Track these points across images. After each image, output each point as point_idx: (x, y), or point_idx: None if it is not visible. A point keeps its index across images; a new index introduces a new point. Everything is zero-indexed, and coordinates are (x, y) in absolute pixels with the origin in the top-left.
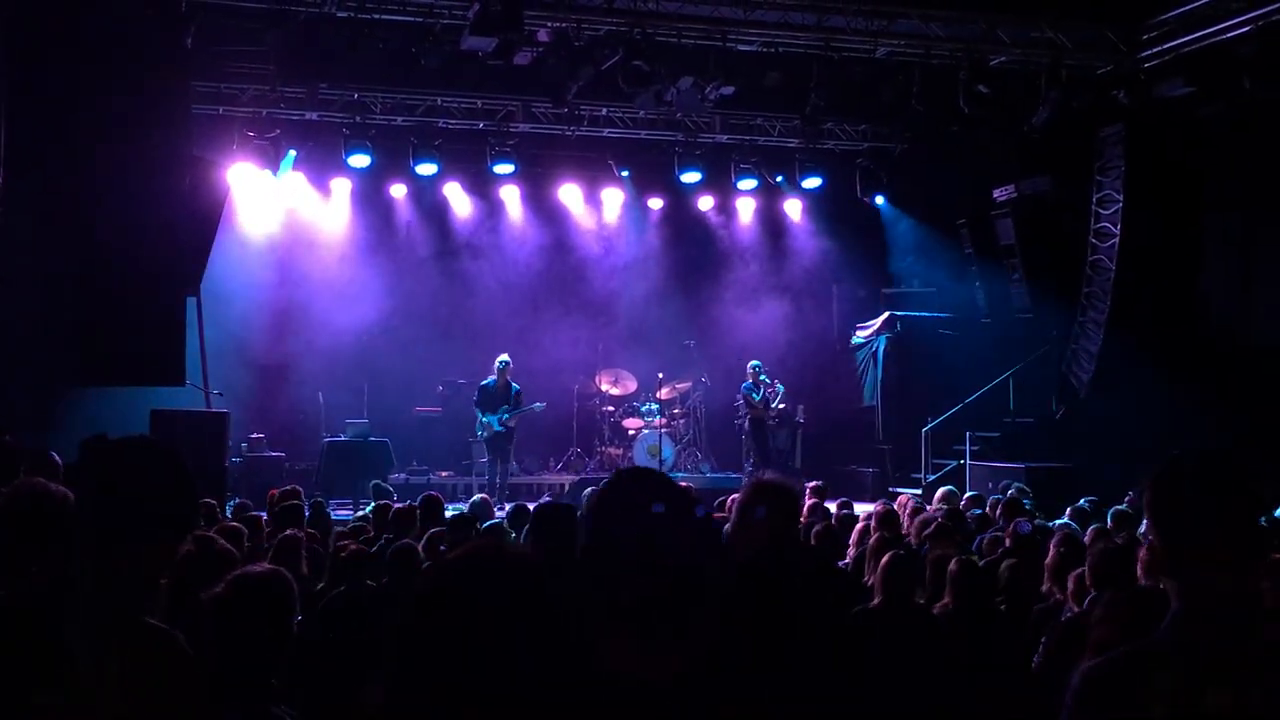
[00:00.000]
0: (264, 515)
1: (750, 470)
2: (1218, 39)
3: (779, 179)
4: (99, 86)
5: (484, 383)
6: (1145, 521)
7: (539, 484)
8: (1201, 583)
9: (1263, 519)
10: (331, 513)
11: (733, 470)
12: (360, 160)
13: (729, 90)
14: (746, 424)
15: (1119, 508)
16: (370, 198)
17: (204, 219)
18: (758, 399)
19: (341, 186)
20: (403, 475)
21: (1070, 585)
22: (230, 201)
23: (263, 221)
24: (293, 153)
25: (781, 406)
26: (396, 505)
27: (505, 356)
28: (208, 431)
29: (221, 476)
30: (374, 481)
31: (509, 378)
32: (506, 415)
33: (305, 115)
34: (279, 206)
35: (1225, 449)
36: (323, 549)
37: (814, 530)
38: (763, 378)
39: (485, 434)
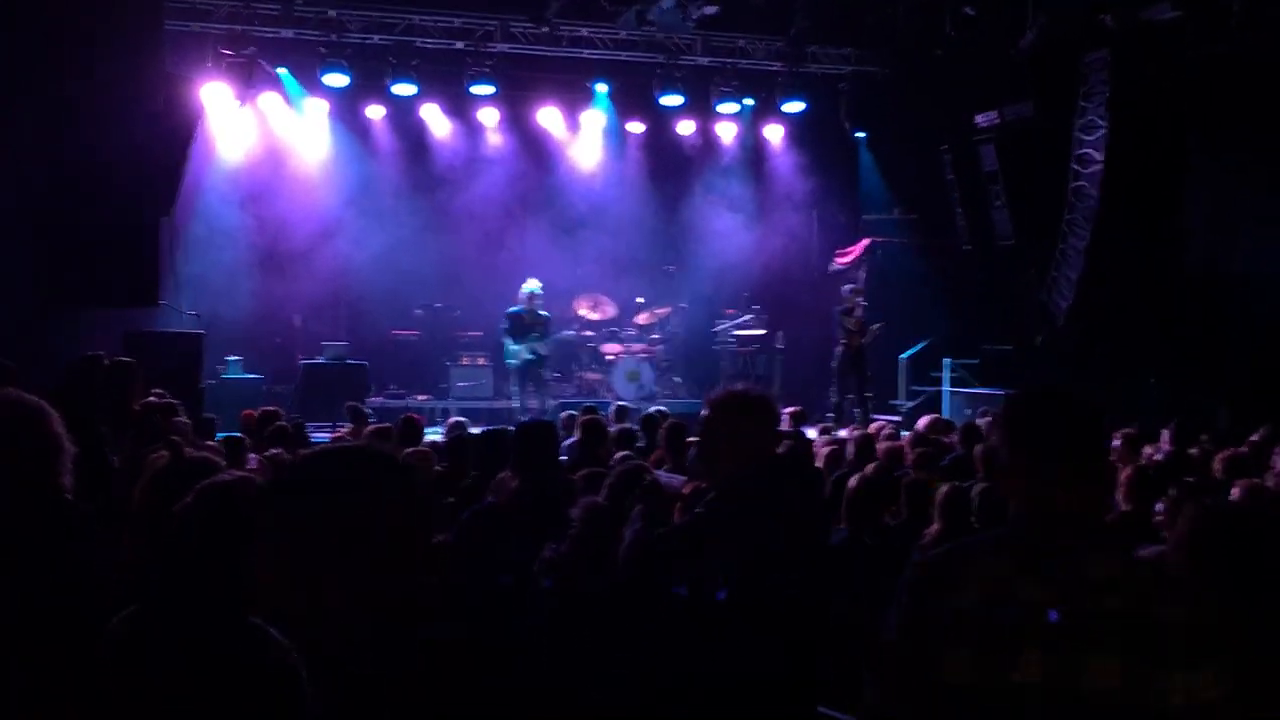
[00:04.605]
0: (239, 435)
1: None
2: None
3: (750, 101)
4: (66, 1)
5: (512, 310)
6: (998, 435)
7: (516, 407)
8: (1036, 495)
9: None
10: (309, 435)
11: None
12: (337, 80)
13: (712, 10)
14: (839, 353)
15: None
16: (347, 119)
17: (177, 138)
18: (850, 323)
19: (317, 106)
20: (380, 398)
21: None
22: (204, 121)
23: (237, 141)
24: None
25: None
26: (371, 425)
27: (536, 284)
28: (183, 353)
29: (198, 398)
30: (349, 403)
31: (538, 305)
32: (538, 341)
33: (280, 33)
34: (253, 126)
35: (1065, 387)
36: None
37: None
38: (860, 300)
39: (516, 362)
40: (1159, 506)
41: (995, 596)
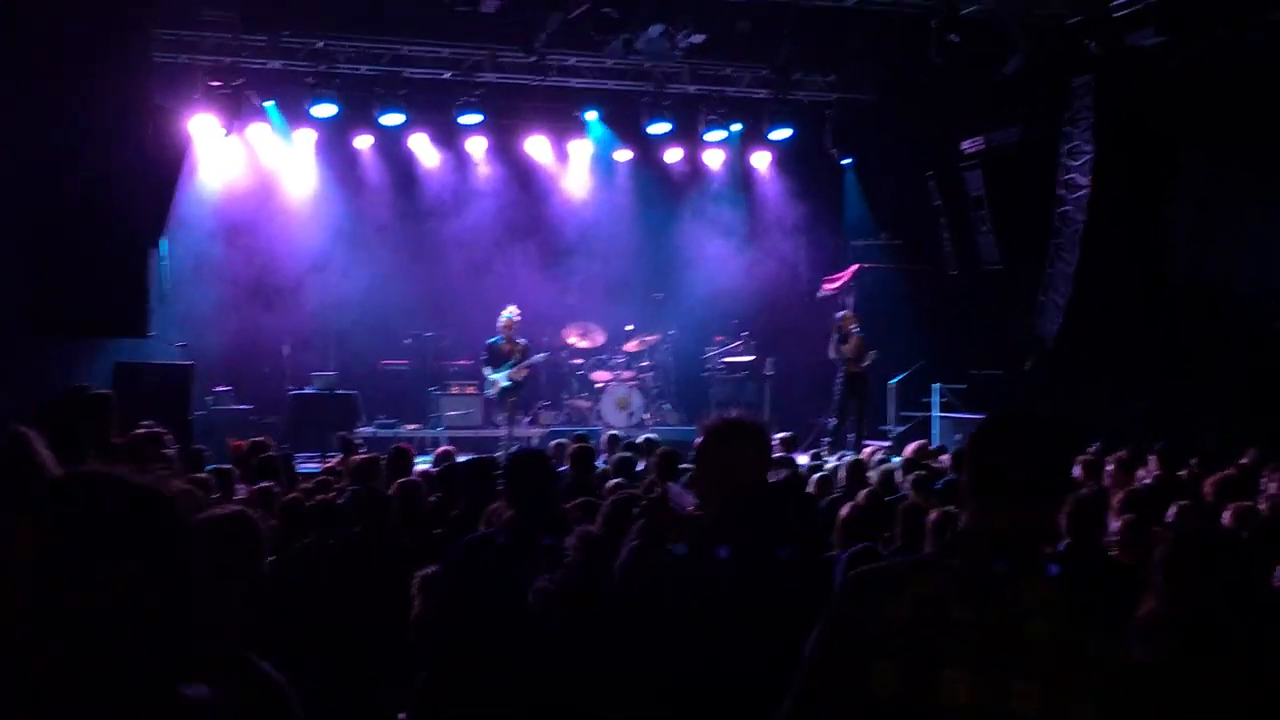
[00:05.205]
0: (228, 467)
1: (830, 441)
2: None
3: (738, 128)
4: (56, 32)
5: (489, 340)
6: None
7: (503, 436)
8: (979, 518)
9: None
10: (298, 466)
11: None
12: (325, 110)
13: (699, 38)
14: (840, 383)
15: (1085, 457)
16: (335, 148)
17: (166, 169)
18: (845, 348)
19: (306, 137)
20: (370, 428)
21: None
22: (193, 152)
23: (226, 173)
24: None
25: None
26: (358, 456)
27: (509, 311)
28: (172, 384)
29: (187, 429)
30: (339, 434)
31: (513, 332)
32: (511, 368)
33: (268, 64)
34: (242, 157)
35: (1032, 412)
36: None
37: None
38: (854, 328)
39: (491, 391)
40: (1114, 527)
41: (925, 615)
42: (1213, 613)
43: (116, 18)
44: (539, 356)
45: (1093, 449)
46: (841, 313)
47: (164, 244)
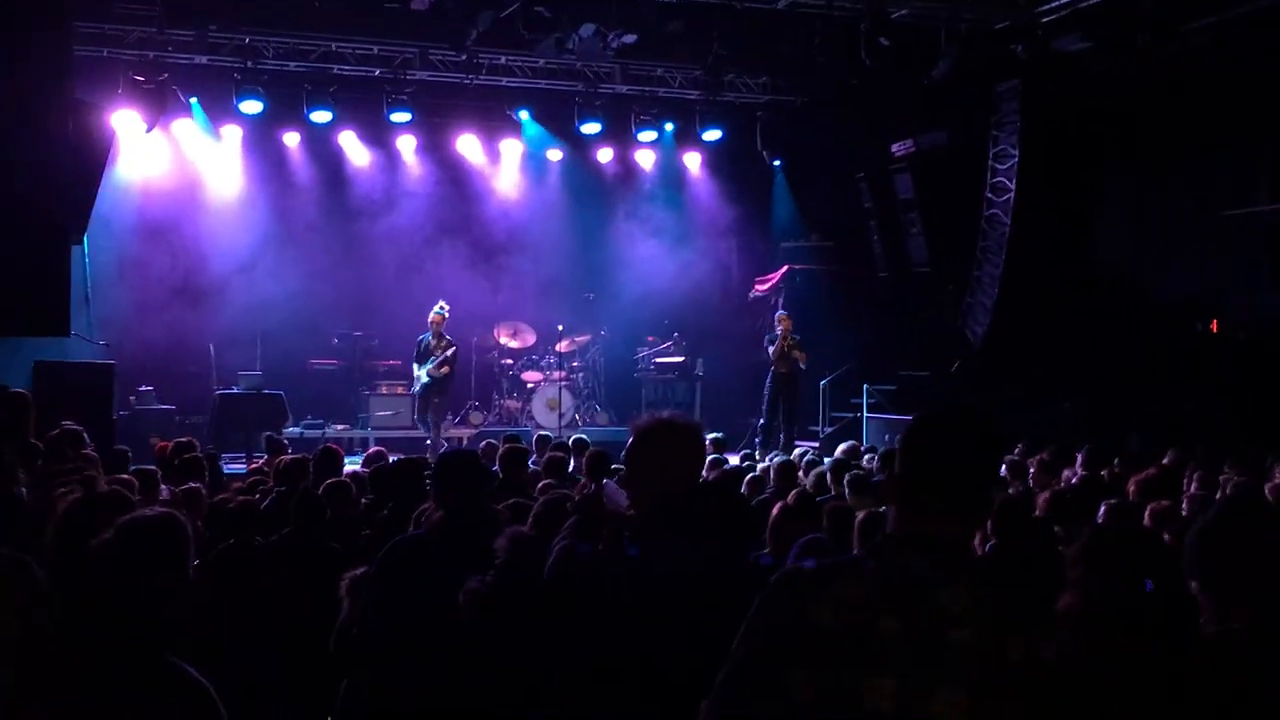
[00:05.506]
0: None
1: (761, 441)
2: None
3: (670, 128)
4: None
5: (420, 337)
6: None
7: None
8: (905, 522)
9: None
10: (224, 466)
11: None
12: (252, 106)
13: (631, 38)
14: (768, 383)
15: (1010, 458)
16: (262, 145)
17: (88, 165)
18: (772, 350)
19: (232, 133)
20: (297, 429)
21: None
22: (116, 148)
23: (150, 169)
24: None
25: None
26: (288, 456)
27: (440, 307)
28: (94, 383)
29: (110, 429)
30: (266, 434)
31: (441, 328)
32: (430, 365)
33: (194, 59)
34: (167, 153)
35: (957, 416)
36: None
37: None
38: (782, 329)
39: (415, 388)
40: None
41: (851, 621)
42: (1128, 609)
43: (34, 10)
44: (448, 351)
45: (1017, 450)
46: (780, 313)
47: (85, 241)
